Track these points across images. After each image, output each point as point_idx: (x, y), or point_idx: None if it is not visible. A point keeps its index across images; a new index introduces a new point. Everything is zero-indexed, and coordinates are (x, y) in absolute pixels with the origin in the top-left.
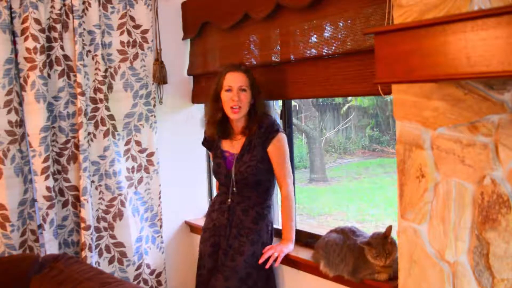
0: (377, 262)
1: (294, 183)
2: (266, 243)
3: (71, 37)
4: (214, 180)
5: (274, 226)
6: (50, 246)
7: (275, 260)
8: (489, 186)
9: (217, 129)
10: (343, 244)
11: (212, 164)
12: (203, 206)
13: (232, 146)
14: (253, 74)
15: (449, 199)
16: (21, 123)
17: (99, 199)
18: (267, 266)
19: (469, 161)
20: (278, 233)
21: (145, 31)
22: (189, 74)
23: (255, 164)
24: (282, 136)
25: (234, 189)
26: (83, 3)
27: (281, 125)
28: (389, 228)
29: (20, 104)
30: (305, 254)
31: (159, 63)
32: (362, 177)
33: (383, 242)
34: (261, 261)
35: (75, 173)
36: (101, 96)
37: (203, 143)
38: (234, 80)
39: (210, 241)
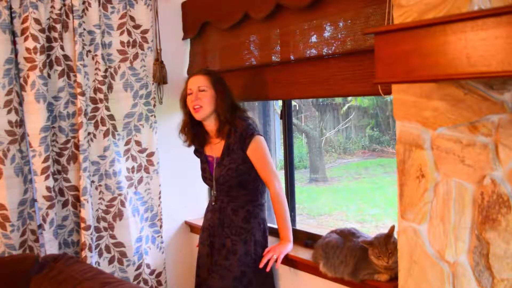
0: (379, 262)
1: (293, 181)
2: (259, 241)
3: (71, 37)
4: None
5: (269, 225)
6: (50, 246)
7: (275, 262)
8: (489, 186)
9: (192, 134)
10: (344, 245)
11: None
12: (203, 206)
13: (213, 150)
14: (218, 75)
15: (449, 199)
16: (21, 123)
17: (99, 199)
18: (268, 269)
19: (469, 161)
20: (275, 233)
21: (145, 31)
22: (189, 74)
23: (236, 166)
24: (259, 139)
25: (218, 192)
26: (83, 3)
27: (259, 127)
28: (392, 228)
29: (20, 104)
30: (304, 254)
31: (159, 63)
32: (362, 177)
33: (386, 242)
34: (261, 265)
35: (75, 173)
36: (101, 96)
37: (195, 153)
38: (193, 83)
39: (208, 241)
